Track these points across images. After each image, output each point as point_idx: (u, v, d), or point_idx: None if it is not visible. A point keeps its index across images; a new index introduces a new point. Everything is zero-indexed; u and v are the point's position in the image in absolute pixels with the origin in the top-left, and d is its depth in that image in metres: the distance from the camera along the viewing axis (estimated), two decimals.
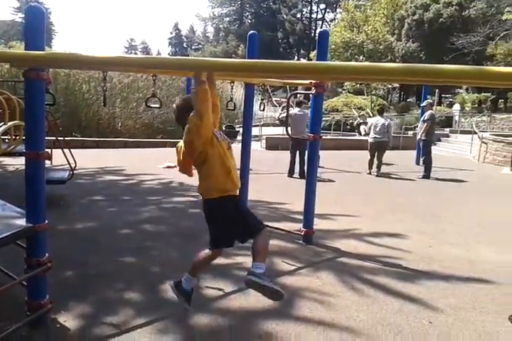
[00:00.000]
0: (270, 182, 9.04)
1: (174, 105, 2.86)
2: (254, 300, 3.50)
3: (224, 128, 15.50)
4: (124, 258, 4.39)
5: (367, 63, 1.98)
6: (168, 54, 77.79)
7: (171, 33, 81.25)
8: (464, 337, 3.06)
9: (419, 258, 4.65)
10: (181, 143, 2.82)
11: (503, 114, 24.37)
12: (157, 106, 3.40)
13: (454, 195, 8.58)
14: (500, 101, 28.69)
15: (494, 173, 11.64)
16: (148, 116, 17.30)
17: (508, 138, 13.27)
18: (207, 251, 2.95)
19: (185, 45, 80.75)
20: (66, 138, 7.74)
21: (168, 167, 10.76)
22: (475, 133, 15.78)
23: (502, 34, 26.44)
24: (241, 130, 17.40)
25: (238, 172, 3.21)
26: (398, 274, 4.21)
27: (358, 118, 13.86)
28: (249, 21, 69.56)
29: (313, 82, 4.70)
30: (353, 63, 2.29)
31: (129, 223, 5.64)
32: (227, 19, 72.34)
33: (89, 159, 10.50)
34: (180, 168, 2.97)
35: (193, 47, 77.57)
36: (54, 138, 6.58)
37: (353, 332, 3.07)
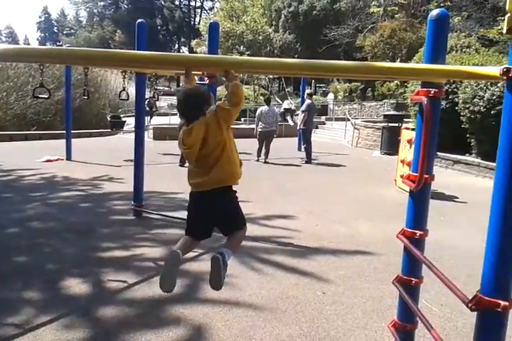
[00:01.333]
0: (163, 172, 8.99)
1: (185, 95, 2.56)
2: (159, 288, 3.55)
3: (109, 119, 14.88)
4: (18, 257, 4.17)
5: (270, 59, 2.15)
6: (37, 39, 71.84)
7: (40, 17, 75.18)
8: (353, 303, 3.44)
9: (309, 236, 5.04)
10: (198, 128, 2.52)
11: (372, 102, 26.64)
12: (45, 96, 3.25)
13: (333, 177, 9.31)
14: (368, 90, 31.24)
15: (366, 156, 12.78)
16: (20, 106, 15.98)
17: (377, 124, 14.59)
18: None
19: (55, 29, 75.19)
20: None
21: (48, 161, 10.16)
22: (348, 120, 17.10)
23: (369, 27, 28.72)
24: (127, 120, 16.85)
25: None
26: (292, 252, 4.55)
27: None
28: (126, 6, 66.80)
29: (206, 72, 4.78)
30: (256, 58, 2.45)
31: (14, 221, 5.30)
32: (102, 3, 68.75)
33: None
34: (191, 153, 2.61)
35: (64, 33, 72.51)
36: None
37: (257, 307, 3.29)
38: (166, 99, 32.89)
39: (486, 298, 1.82)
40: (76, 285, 3.60)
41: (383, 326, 3.01)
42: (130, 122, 14.25)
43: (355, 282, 3.85)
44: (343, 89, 31.03)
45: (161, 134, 15.17)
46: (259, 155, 11.18)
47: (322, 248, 4.71)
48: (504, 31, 1.76)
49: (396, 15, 27.58)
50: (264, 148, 11.08)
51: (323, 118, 22.18)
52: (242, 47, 33.20)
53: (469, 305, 1.87)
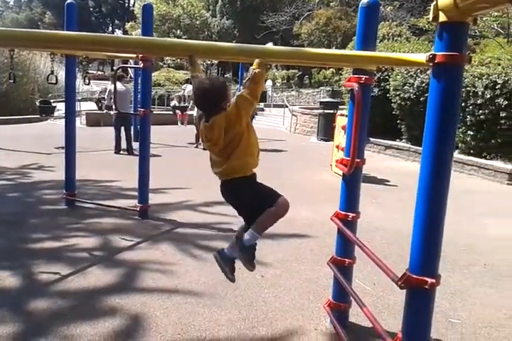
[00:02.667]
0: (97, 159, 8.68)
1: (201, 88, 2.40)
2: (94, 279, 3.48)
3: (38, 104, 14.11)
4: None
5: (203, 42, 2.11)
6: None
7: None
8: (290, 285, 3.51)
9: None
10: (219, 124, 2.40)
11: (309, 89, 27.04)
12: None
13: (272, 163, 9.40)
14: (305, 77, 31.66)
15: (304, 142, 13.01)
16: None
17: (314, 111, 14.85)
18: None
19: None
20: None
21: None
22: (286, 106, 17.29)
23: (306, 14, 28.99)
24: (58, 105, 16.09)
25: None
26: (231, 238, 4.54)
27: (175, 101, 13.69)
28: None
29: (141, 55, 4.64)
30: (191, 41, 2.39)
31: None
32: None
33: None
34: (215, 147, 2.53)
35: None
36: None
37: (197, 294, 3.29)
38: (100, 83, 31.63)
39: (414, 276, 1.92)
40: (6, 278, 3.42)
41: (319, 306, 3.10)
42: (61, 108, 13.60)
43: (292, 264, 3.93)
44: (281, 76, 31.23)
45: (94, 120, 14.60)
46: (197, 141, 11.08)
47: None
48: (430, 19, 1.83)
49: (331, 3, 28.03)
50: None
51: (261, 104, 22.27)
52: (179, 32, 32.49)
53: (399, 283, 1.97)
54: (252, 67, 2.33)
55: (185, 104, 13.53)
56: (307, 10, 28.98)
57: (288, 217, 5.36)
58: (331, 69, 24.80)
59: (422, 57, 1.88)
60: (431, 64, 1.79)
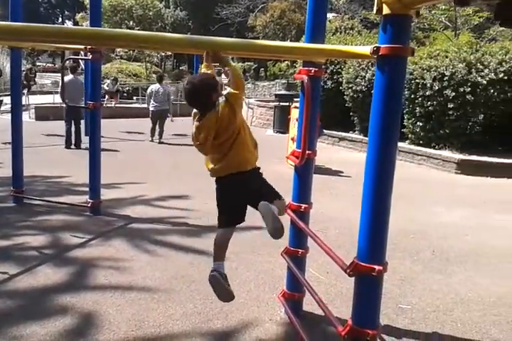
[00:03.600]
0: (47, 155, 8.39)
1: (191, 85, 2.40)
2: (43, 278, 3.38)
3: None
4: None
5: (153, 33, 2.05)
6: None
7: None
8: (246, 278, 3.53)
9: (203, 214, 5.03)
10: (208, 124, 2.41)
11: (264, 82, 27.11)
12: None
13: None
14: (261, 69, 31.71)
15: (261, 135, 13.03)
16: None
17: (270, 104, 14.90)
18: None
19: None
20: None
21: None
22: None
23: (260, 6, 28.95)
24: (4, 99, 15.46)
25: None
26: (186, 231, 4.53)
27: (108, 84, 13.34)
28: None
29: (89, 47, 4.50)
30: (139, 32, 2.33)
31: None
32: None
33: None
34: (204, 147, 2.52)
35: None
36: None
37: (151, 290, 3.24)
38: (50, 76, 30.52)
39: (362, 263, 1.96)
40: None
41: (274, 297, 3.13)
42: (8, 101, 13.02)
43: (248, 256, 3.94)
44: None
45: (44, 114, 14.07)
46: (152, 135, 10.92)
47: (216, 225, 4.73)
48: (374, 11, 1.85)
49: None
50: (158, 127, 10.84)
51: None
52: (131, 23, 31.69)
53: (347, 271, 2.01)
54: (225, 69, 2.47)
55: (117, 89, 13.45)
56: (261, 2, 28.95)
57: None
58: (286, 62, 24.92)
59: (367, 49, 1.91)
60: (375, 56, 1.82)
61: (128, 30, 2.48)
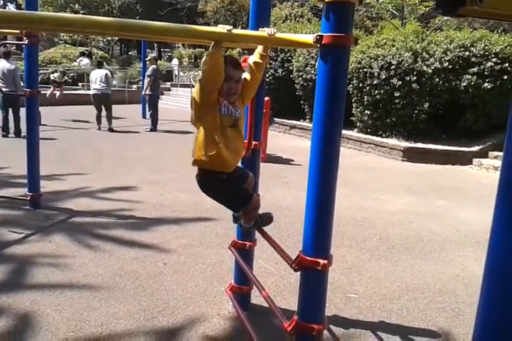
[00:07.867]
0: None
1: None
2: None
3: None
4: None
5: (77, 15, 1.90)
6: None
7: None
8: (194, 271, 3.44)
9: (152, 207, 4.92)
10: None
11: None
12: None
13: (179, 145, 9.18)
14: None
15: None
16: None
17: None
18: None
19: None
20: None
21: None
22: (193, 86, 16.94)
23: None
24: None
25: None
26: (133, 225, 4.38)
27: (57, 74, 12.80)
28: None
29: (25, 31, 4.21)
30: (67, 15, 2.15)
31: None
32: None
33: None
34: None
35: None
36: None
37: (93, 287, 3.10)
38: None
39: (307, 257, 1.92)
40: None
41: (222, 290, 3.08)
42: None
43: (197, 249, 3.86)
44: (187, 54, 30.52)
45: None
46: (99, 123, 10.57)
47: (165, 218, 4.63)
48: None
49: None
50: (106, 114, 10.52)
51: (168, 84, 21.66)
52: (77, 6, 30.33)
53: (293, 265, 1.97)
54: None
55: (64, 80, 13.04)
56: None
57: (195, 201, 5.31)
58: (237, 49, 24.65)
59: (310, 38, 1.85)
60: (318, 45, 1.76)
61: (52, 14, 2.29)
